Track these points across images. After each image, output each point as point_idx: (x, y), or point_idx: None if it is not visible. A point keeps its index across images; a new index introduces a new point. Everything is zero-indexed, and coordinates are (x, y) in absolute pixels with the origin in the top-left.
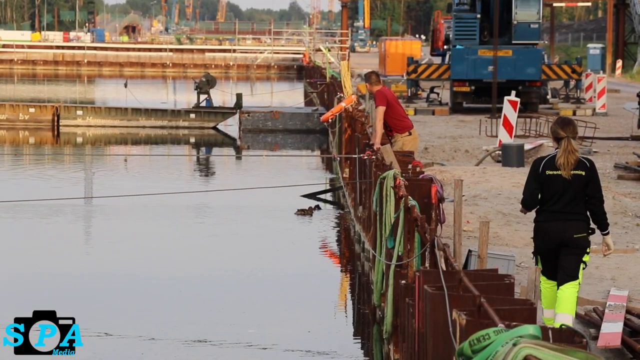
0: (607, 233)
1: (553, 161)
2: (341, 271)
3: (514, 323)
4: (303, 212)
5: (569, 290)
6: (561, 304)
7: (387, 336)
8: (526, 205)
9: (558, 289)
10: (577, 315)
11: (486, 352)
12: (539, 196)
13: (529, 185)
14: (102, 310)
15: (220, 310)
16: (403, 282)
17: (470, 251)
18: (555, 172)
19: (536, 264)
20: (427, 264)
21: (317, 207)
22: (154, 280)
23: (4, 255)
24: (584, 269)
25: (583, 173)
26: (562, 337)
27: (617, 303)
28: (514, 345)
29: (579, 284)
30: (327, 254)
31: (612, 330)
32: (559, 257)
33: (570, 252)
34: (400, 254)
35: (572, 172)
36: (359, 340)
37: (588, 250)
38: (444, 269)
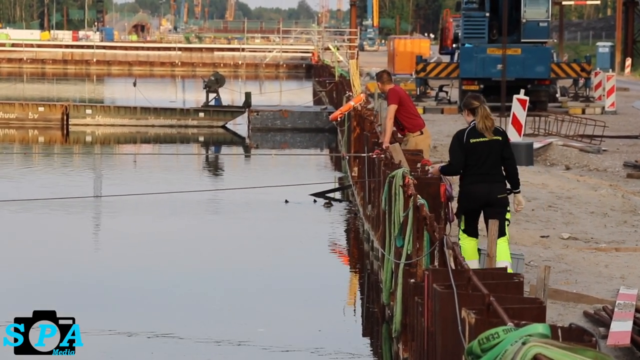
0: (519, 191)
1: (474, 130)
2: (350, 270)
3: (523, 322)
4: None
5: (502, 244)
6: (500, 255)
7: (396, 335)
8: (453, 172)
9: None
10: (586, 314)
11: (495, 351)
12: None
13: (457, 154)
14: (102, 310)
15: (230, 309)
16: (412, 280)
17: (479, 250)
18: (478, 140)
19: (460, 223)
20: (436, 263)
21: (314, 201)
22: (160, 278)
23: (5, 255)
24: (508, 225)
25: (500, 138)
26: (572, 335)
27: (626, 302)
28: (523, 344)
29: (508, 238)
30: (336, 252)
31: (621, 329)
32: (485, 216)
33: (494, 211)
34: (409, 252)
35: (492, 137)
36: (368, 339)
37: (508, 208)
38: (453, 267)
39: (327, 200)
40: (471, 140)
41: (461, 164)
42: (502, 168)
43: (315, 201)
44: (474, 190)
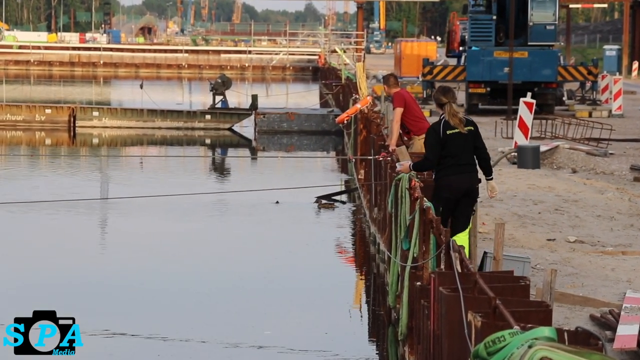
0: (492, 178)
1: (448, 123)
2: (356, 273)
3: (530, 325)
4: (329, 205)
5: (462, 237)
6: None
7: (402, 338)
8: (428, 167)
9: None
10: (593, 318)
11: (502, 354)
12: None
13: (434, 149)
14: (103, 310)
15: (236, 311)
16: (418, 283)
17: (485, 253)
18: (454, 131)
19: (436, 214)
20: (442, 266)
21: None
22: (165, 280)
23: (8, 255)
24: (473, 214)
25: (472, 128)
26: (578, 339)
27: (633, 305)
28: (530, 347)
29: (470, 229)
30: (342, 255)
31: (628, 332)
32: (458, 207)
33: (469, 202)
34: (415, 255)
35: (465, 128)
36: (374, 342)
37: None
38: (459, 270)
39: (329, 203)
40: (448, 132)
41: (437, 158)
42: (475, 157)
43: (316, 202)
44: (456, 180)
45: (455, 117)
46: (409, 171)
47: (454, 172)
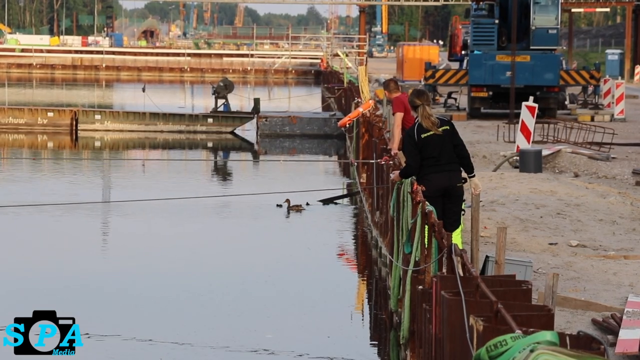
0: (474, 175)
1: (421, 126)
2: (358, 276)
3: (532, 329)
4: (296, 208)
5: (455, 237)
6: None
7: (404, 341)
8: (412, 172)
9: None
10: (595, 322)
11: (503, 358)
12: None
13: (413, 155)
14: (103, 310)
15: (238, 314)
16: (420, 287)
17: (487, 257)
18: (428, 134)
19: None
20: (444, 270)
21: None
22: (167, 282)
23: (9, 256)
24: (463, 215)
25: (448, 127)
26: (580, 343)
27: (635, 309)
28: (532, 351)
29: (462, 229)
30: (344, 259)
31: (630, 336)
32: (444, 207)
33: (453, 201)
34: (417, 259)
35: (440, 128)
36: (376, 346)
37: (464, 198)
38: (461, 274)
39: (296, 206)
40: (422, 135)
41: (417, 162)
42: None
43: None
44: (433, 178)
45: (428, 120)
46: (399, 179)
47: (433, 171)
